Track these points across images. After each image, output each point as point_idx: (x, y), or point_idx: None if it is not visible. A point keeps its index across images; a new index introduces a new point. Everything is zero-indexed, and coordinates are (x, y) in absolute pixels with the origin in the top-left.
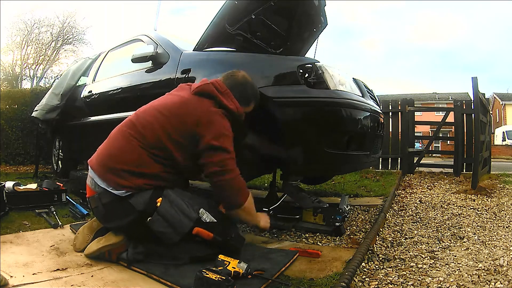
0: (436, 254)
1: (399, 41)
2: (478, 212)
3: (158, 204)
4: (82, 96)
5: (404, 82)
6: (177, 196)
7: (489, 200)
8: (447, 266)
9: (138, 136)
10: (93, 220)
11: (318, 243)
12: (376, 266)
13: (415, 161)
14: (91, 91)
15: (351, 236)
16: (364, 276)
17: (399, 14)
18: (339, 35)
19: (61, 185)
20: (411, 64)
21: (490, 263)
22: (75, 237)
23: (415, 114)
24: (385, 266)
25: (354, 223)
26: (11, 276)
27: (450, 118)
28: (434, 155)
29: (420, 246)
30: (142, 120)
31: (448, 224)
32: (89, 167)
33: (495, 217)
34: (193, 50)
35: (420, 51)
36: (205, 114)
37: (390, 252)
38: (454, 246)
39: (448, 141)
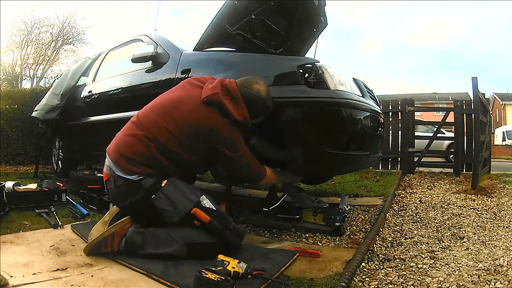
0: (436, 254)
1: (399, 41)
2: (478, 212)
3: (163, 185)
4: (82, 96)
5: (404, 82)
6: (182, 183)
7: (489, 200)
8: (447, 266)
9: (152, 138)
10: (104, 216)
11: (318, 243)
12: (376, 266)
13: (415, 161)
14: (91, 91)
15: (351, 236)
16: (364, 276)
17: (399, 15)
18: (339, 36)
19: (61, 185)
20: (411, 64)
21: (490, 263)
22: (90, 233)
23: (415, 114)
24: (385, 266)
25: (354, 223)
26: (11, 276)
27: (450, 118)
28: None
29: (420, 246)
30: (159, 125)
31: (448, 224)
32: (107, 154)
33: (495, 217)
34: (193, 50)
35: (421, 51)
36: (215, 127)
37: (390, 252)
38: (454, 246)
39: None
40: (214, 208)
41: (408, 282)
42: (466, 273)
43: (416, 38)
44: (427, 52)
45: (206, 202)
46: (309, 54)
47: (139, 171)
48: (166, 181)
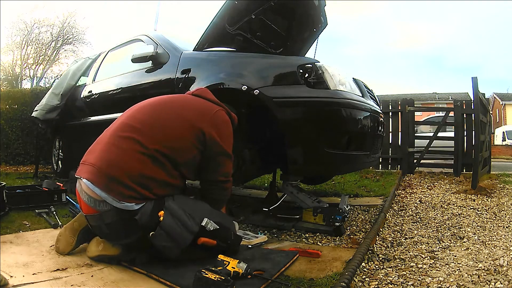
0: (436, 254)
1: (399, 42)
2: (478, 212)
3: (161, 218)
4: (82, 96)
5: (404, 82)
6: (179, 207)
7: (489, 200)
8: (447, 266)
9: (143, 140)
10: (73, 220)
11: (318, 243)
12: (376, 266)
13: (415, 161)
14: (91, 91)
15: (351, 236)
16: (364, 276)
17: (399, 17)
18: (336, 41)
19: (61, 185)
20: (411, 64)
21: (490, 263)
22: (57, 240)
23: (415, 114)
24: (385, 266)
25: (354, 223)
26: (11, 276)
27: (450, 118)
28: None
29: (420, 246)
30: (146, 123)
31: (448, 224)
32: (83, 180)
33: (495, 217)
34: (193, 50)
35: (422, 52)
36: (210, 111)
37: (390, 252)
38: (454, 246)
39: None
40: (218, 227)
41: (408, 282)
42: (466, 273)
43: (418, 39)
44: (427, 53)
45: (211, 225)
46: (309, 54)
47: (134, 195)
48: (162, 212)
